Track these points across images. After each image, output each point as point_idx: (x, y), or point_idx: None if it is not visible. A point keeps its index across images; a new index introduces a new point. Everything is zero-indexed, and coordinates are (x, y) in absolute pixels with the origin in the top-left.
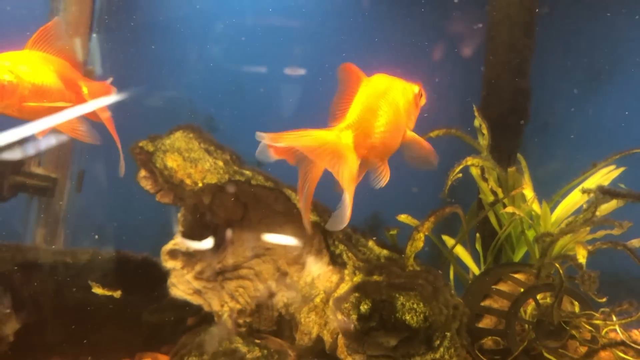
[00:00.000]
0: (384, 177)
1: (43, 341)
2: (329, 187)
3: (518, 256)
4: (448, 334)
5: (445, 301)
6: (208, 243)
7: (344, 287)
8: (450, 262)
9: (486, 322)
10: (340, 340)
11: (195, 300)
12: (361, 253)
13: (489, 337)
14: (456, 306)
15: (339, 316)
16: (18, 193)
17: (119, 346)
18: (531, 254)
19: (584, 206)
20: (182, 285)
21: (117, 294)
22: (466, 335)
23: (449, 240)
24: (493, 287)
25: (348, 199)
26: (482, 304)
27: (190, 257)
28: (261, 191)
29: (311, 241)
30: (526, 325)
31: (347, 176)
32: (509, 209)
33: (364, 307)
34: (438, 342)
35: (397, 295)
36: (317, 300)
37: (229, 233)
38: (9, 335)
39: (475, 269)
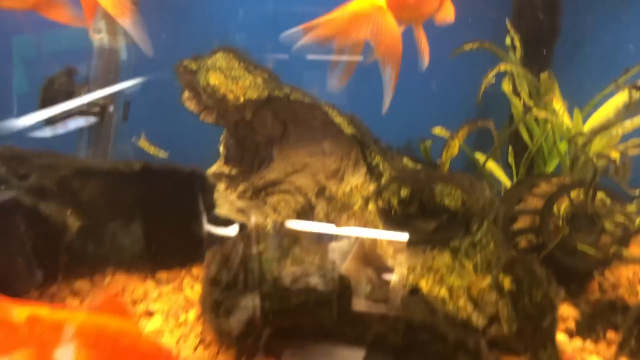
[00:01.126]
0: (423, 47)
1: (98, 245)
2: (365, 105)
3: (550, 168)
4: (485, 222)
5: (482, 191)
6: (250, 163)
7: (379, 203)
8: (483, 177)
9: (519, 225)
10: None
11: (239, 218)
12: (398, 165)
13: (523, 237)
14: (492, 200)
15: (380, 203)
16: (70, 122)
17: (170, 255)
18: (563, 166)
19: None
20: (226, 205)
21: (163, 153)
22: (501, 229)
23: (482, 158)
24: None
25: (391, 74)
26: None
27: (233, 178)
28: (299, 107)
29: (348, 154)
30: (560, 222)
31: (390, 40)
32: (542, 114)
33: (403, 193)
34: (476, 226)
35: (435, 183)
36: (356, 207)
37: (269, 151)
38: (68, 238)
39: (507, 183)
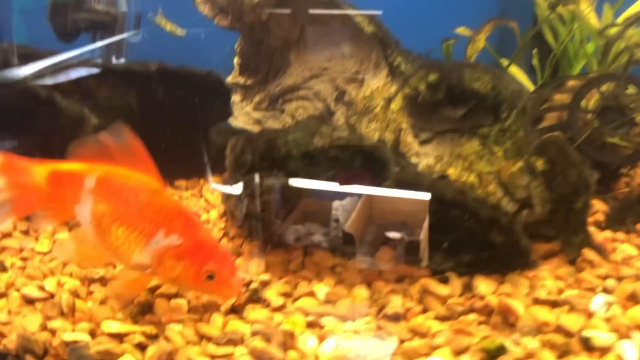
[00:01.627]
0: None
1: None
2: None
3: (575, 71)
4: (515, 110)
5: (511, 80)
6: (265, 72)
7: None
8: None
9: (546, 124)
10: (405, 128)
11: (256, 129)
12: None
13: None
14: (520, 90)
15: (407, 90)
16: (81, 31)
17: (187, 163)
18: (589, 69)
19: None
20: (242, 117)
21: (181, 31)
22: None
23: (505, 62)
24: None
25: None
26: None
27: (249, 89)
28: (317, 6)
29: (369, 56)
30: (589, 115)
31: None
32: (571, 6)
33: (432, 77)
34: (505, 114)
35: (464, 68)
36: (377, 109)
37: (286, 56)
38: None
39: (531, 87)
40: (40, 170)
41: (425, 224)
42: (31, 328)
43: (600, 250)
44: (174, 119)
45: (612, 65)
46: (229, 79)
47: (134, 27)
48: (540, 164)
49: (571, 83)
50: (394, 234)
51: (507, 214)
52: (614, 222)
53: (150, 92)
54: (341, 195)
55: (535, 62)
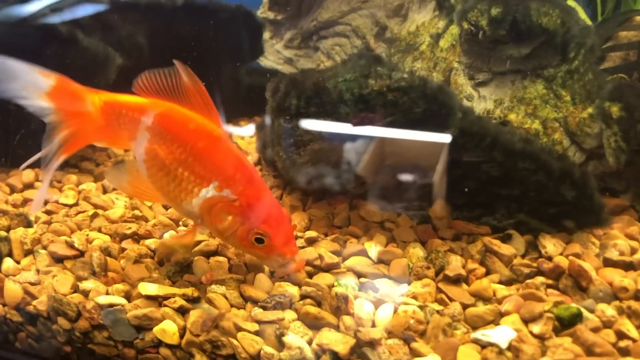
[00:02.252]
0: None
1: None
2: None
3: None
4: (583, 49)
5: (577, 18)
6: (297, 5)
7: (454, 28)
8: None
9: (608, 65)
10: (457, 68)
11: (286, 69)
12: None
13: (612, 77)
14: (588, 27)
15: (465, 25)
16: None
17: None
18: None
19: None
20: (271, 55)
21: None
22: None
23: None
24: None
25: None
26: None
27: (279, 25)
28: None
29: None
30: None
31: None
32: None
33: (495, 11)
34: (573, 53)
35: (530, 1)
36: (424, 47)
37: None
38: (112, 74)
39: (588, 22)
40: (95, 99)
41: (440, 167)
42: (62, 289)
43: None
44: (201, 58)
45: None
46: (258, 14)
47: None
48: (615, 110)
49: (639, 18)
50: (405, 177)
51: (579, 164)
52: None
53: (176, 28)
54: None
55: None
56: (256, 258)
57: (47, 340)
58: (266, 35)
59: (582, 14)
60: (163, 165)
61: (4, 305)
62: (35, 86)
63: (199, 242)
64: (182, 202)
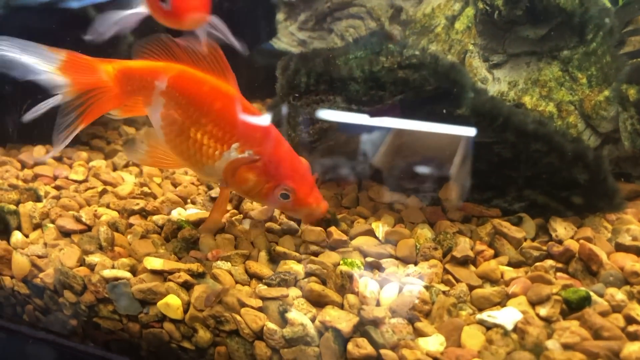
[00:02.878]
0: None
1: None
2: None
3: None
4: (601, 31)
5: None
6: None
7: (470, 10)
8: None
9: (629, 49)
10: (472, 50)
11: (299, 50)
12: None
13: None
14: (608, 8)
15: (480, 5)
16: None
17: None
18: None
19: None
20: (285, 37)
21: None
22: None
23: None
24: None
25: None
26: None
27: (293, 7)
28: None
29: None
30: None
31: None
32: None
33: None
34: (591, 35)
35: None
36: (439, 29)
37: None
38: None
39: (608, 4)
40: (107, 69)
41: (457, 159)
42: (69, 263)
43: None
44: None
45: None
46: None
47: None
48: (632, 92)
49: None
50: (422, 169)
51: (594, 149)
52: None
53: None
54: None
55: None
56: (283, 211)
57: (54, 314)
58: (280, 16)
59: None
60: (181, 130)
61: (12, 277)
62: (47, 62)
63: (205, 219)
64: (204, 166)
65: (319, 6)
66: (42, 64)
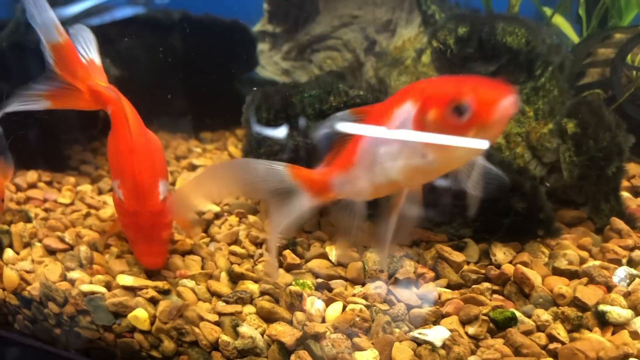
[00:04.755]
0: None
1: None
2: None
3: (626, 21)
4: (550, 67)
5: (548, 35)
6: (294, 19)
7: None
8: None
9: (587, 80)
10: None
11: (283, 79)
12: (458, 10)
13: (590, 92)
14: (558, 45)
15: (434, 44)
16: None
17: (212, 115)
18: None
19: None
20: (270, 66)
21: None
22: (567, 76)
23: (549, 12)
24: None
25: None
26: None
27: (278, 37)
28: None
29: (401, 4)
30: (634, 73)
31: None
32: None
33: (461, 30)
34: (540, 71)
35: (497, 21)
36: (408, 61)
37: (315, 3)
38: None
39: (575, 39)
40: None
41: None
42: (52, 278)
43: (631, 218)
44: (198, 70)
45: None
46: (258, 27)
47: None
48: (571, 126)
49: (618, 36)
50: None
51: (532, 178)
52: None
53: (173, 42)
54: None
55: (581, 11)
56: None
57: (40, 323)
58: (265, 47)
59: (569, 30)
60: None
61: (4, 289)
62: None
63: (176, 241)
64: None
65: (300, 38)
66: None
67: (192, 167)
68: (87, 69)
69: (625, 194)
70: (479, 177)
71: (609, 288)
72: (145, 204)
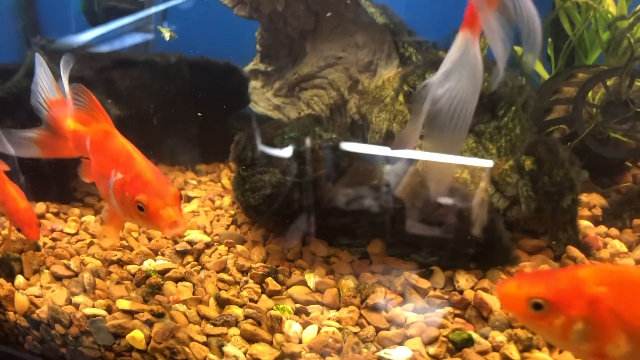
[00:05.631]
0: None
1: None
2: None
3: (591, 60)
4: (513, 107)
5: (512, 78)
6: (284, 59)
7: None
8: (521, 70)
9: (553, 116)
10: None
11: (275, 115)
12: (430, 55)
13: (555, 127)
14: (522, 86)
15: (405, 88)
16: (111, 17)
17: (207, 149)
18: (605, 58)
19: None
20: (262, 102)
21: (174, 35)
22: (531, 115)
23: (520, 50)
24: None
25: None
26: (551, 99)
27: (269, 75)
28: None
29: (381, 47)
30: (594, 110)
31: None
32: None
33: (429, 76)
34: (502, 111)
35: None
36: (387, 99)
37: (303, 45)
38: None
39: (545, 75)
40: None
41: (479, 190)
42: (59, 302)
43: (586, 247)
44: (194, 108)
45: (622, 57)
46: (250, 66)
47: (161, 16)
48: (528, 163)
49: (581, 75)
50: (445, 200)
51: (495, 214)
52: (611, 216)
53: (171, 82)
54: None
55: (550, 51)
56: (143, 224)
57: (48, 343)
58: (258, 84)
59: (540, 69)
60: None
61: (15, 312)
62: None
63: (169, 269)
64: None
65: (289, 77)
66: None
67: (187, 199)
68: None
69: (585, 223)
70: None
71: None
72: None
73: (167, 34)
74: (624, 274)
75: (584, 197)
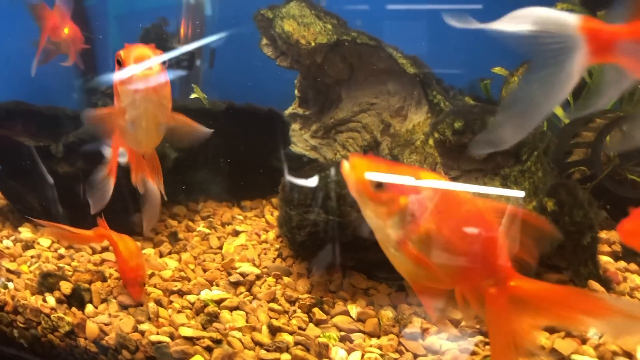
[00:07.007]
0: None
1: (191, 175)
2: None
3: (608, 105)
4: (535, 152)
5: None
6: (321, 104)
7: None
8: None
9: (574, 158)
10: (440, 162)
11: (312, 154)
12: (458, 101)
13: (576, 169)
14: (543, 132)
15: (436, 135)
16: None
17: (252, 187)
18: (620, 104)
19: None
20: (300, 143)
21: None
22: (551, 158)
23: None
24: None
25: None
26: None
27: (307, 119)
28: (365, 50)
29: (411, 94)
30: (612, 154)
31: None
32: None
33: (457, 124)
34: (526, 156)
35: (487, 116)
36: (418, 142)
37: (338, 92)
38: (167, 165)
39: (565, 120)
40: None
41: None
42: (126, 329)
43: (607, 281)
44: (241, 149)
45: (637, 105)
46: (290, 110)
47: (209, 63)
48: (550, 204)
49: (598, 120)
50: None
51: None
52: (630, 252)
53: (221, 127)
54: None
55: (569, 97)
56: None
57: None
58: (297, 126)
59: (560, 113)
60: None
61: (86, 339)
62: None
63: (225, 299)
64: None
65: (326, 120)
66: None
67: (236, 233)
68: None
69: (606, 259)
70: None
71: (584, 341)
72: None
73: (199, 95)
74: (453, 193)
75: (604, 234)
